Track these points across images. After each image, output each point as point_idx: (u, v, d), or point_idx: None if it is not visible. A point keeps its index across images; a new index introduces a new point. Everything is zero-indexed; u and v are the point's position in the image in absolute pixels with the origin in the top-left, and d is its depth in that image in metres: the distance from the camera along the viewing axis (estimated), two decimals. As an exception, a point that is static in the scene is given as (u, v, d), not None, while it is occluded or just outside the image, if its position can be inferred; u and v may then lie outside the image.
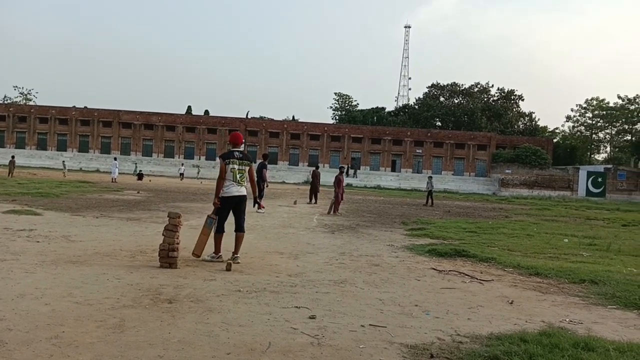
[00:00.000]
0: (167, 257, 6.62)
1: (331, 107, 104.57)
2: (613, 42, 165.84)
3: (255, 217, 14.64)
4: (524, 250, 10.12)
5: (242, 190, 7.41)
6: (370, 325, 4.57)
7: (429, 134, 76.26)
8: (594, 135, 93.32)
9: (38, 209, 13.04)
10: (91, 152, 74.47)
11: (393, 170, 74.29)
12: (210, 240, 7.34)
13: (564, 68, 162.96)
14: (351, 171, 65.50)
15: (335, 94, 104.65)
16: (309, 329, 4.35)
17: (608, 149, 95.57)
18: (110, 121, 75.70)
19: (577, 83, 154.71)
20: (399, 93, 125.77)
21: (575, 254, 9.91)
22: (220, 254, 7.33)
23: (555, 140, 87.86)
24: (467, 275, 7.23)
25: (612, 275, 7.42)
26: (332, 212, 17.57)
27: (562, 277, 7.28)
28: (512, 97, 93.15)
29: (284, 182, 57.40)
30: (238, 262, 7.08)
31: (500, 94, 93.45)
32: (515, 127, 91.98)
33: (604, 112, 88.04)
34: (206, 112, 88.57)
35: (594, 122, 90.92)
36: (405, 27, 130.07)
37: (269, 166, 20.94)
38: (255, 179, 7.85)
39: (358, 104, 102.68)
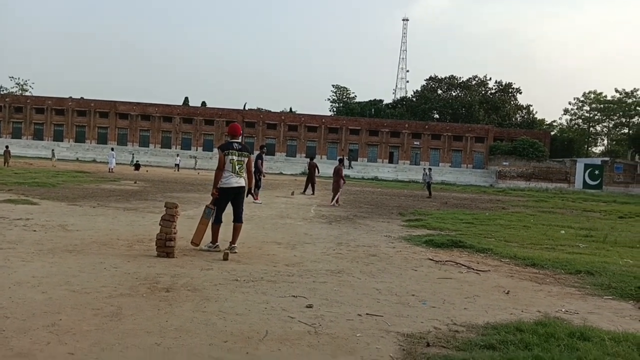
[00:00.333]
0: (164, 247, 6.62)
1: (329, 99, 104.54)
2: (611, 36, 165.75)
3: (252, 207, 14.63)
4: (520, 241, 10.15)
5: (241, 181, 7.41)
6: (367, 314, 4.58)
7: (426, 126, 76.27)
8: (591, 128, 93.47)
9: (35, 199, 13.00)
10: (87, 143, 74.31)
11: (391, 162, 74.37)
12: (209, 230, 7.35)
13: (561, 61, 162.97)
14: (346, 162, 65.51)
15: (333, 86, 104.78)
16: (306, 318, 4.36)
17: (605, 141, 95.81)
18: (106, 112, 75.51)
19: (575, 76, 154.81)
20: (396, 86, 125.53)
21: (572, 245, 9.94)
22: (217, 243, 7.34)
23: (552, 133, 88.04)
24: (463, 265, 7.25)
25: (608, 266, 7.44)
26: (335, 204, 17.64)
27: (558, 267, 7.30)
28: (510, 90, 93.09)
29: (281, 173, 57.38)
30: (235, 252, 7.09)
31: (498, 86, 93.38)
32: (513, 119, 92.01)
33: (602, 106, 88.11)
34: (203, 103, 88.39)
35: (591, 115, 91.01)
36: (403, 20, 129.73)
37: (266, 157, 20.92)
38: (253, 170, 7.85)
39: (356, 96, 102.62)
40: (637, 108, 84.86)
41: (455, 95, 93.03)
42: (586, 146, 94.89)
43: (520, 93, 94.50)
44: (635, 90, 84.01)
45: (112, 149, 40.45)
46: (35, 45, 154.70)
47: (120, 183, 22.96)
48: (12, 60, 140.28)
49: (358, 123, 76.69)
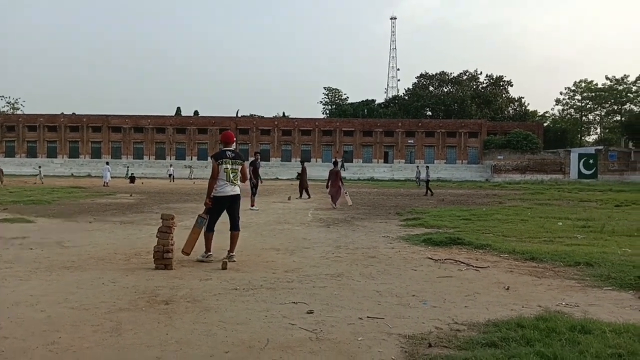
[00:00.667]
0: (162, 259, 6.60)
1: (321, 101, 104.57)
2: (599, 25, 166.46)
3: (249, 214, 14.60)
4: (518, 236, 10.16)
5: (236, 189, 7.40)
6: (368, 317, 4.57)
7: (420, 124, 76.41)
8: (583, 118, 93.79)
9: (30, 217, 12.95)
10: (82, 158, 74.11)
11: (386, 161, 74.45)
12: (201, 240, 7.30)
13: (551, 52, 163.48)
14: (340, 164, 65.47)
15: (325, 88, 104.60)
16: (307, 324, 4.35)
17: (598, 130, 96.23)
18: (99, 126, 75.36)
19: (566, 66, 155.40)
20: (388, 85, 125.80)
21: (570, 237, 9.95)
22: (210, 252, 7.29)
23: (545, 124, 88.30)
24: (463, 263, 7.25)
25: (607, 256, 7.46)
26: (334, 205, 17.77)
27: (557, 260, 7.31)
28: (501, 84, 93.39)
29: (277, 179, 57.33)
30: (234, 261, 7.07)
31: (489, 80, 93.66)
32: (506, 113, 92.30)
33: (593, 94, 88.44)
34: (196, 112, 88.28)
35: (583, 104, 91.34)
36: (391, 18, 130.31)
37: (261, 163, 20.81)
38: (248, 177, 7.84)
39: (348, 97, 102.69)
40: (629, 95, 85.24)
41: (447, 91, 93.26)
42: (579, 136, 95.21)
43: (512, 86, 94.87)
44: (626, 76, 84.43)
45: (107, 163, 40.35)
46: (23, 63, 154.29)
47: (116, 197, 22.89)
48: (0, 80, 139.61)
49: (351, 124, 76.76)
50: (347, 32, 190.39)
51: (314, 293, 5.46)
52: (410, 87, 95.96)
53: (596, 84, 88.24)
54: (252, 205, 16.57)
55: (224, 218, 7.42)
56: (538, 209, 17.58)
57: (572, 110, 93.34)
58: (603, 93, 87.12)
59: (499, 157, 67.96)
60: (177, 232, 7.04)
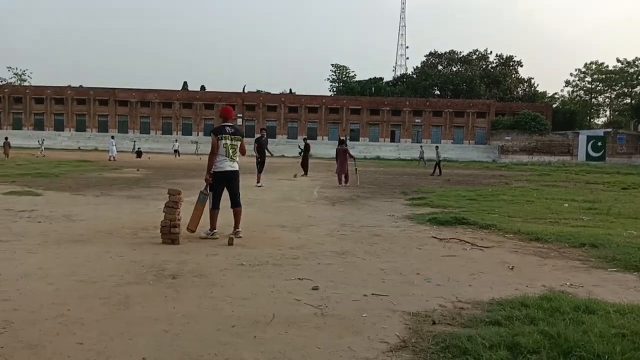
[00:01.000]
0: (169, 234, 6.65)
1: (328, 78, 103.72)
2: (612, 4, 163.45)
3: (255, 191, 14.66)
4: (524, 216, 10.15)
5: (235, 165, 7.39)
6: (372, 294, 4.61)
7: (427, 103, 75.89)
8: (593, 100, 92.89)
9: (38, 190, 13.04)
10: (88, 131, 74.20)
11: (392, 140, 74.17)
12: (206, 216, 7.32)
13: (562, 32, 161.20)
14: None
15: (333, 65, 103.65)
16: (312, 300, 4.39)
17: (607, 112, 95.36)
18: (106, 99, 75.25)
19: (576, 47, 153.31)
20: (396, 63, 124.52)
21: (576, 219, 9.93)
22: (215, 230, 7.27)
23: (554, 106, 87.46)
24: (467, 242, 7.27)
25: (612, 238, 7.45)
26: (344, 184, 17.91)
27: (562, 241, 7.31)
28: (511, 64, 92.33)
29: (283, 156, 57.28)
30: (240, 237, 7.10)
31: (499, 60, 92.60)
32: (515, 93, 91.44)
33: (603, 76, 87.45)
34: (202, 87, 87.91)
35: (593, 86, 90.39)
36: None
37: (268, 140, 20.66)
38: (246, 153, 7.79)
39: (355, 75, 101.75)
40: (639, 78, 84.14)
41: (455, 70, 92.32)
42: (588, 118, 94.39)
43: (522, 66, 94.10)
44: (637, 59, 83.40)
45: (112, 137, 40.44)
46: (31, 33, 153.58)
47: (122, 171, 22.99)
48: (8, 50, 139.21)
49: (359, 102, 76.31)
50: (356, 8, 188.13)
51: (319, 270, 5.50)
52: (419, 65, 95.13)
53: (607, 66, 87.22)
54: (258, 182, 16.61)
55: (226, 195, 7.43)
56: (544, 190, 17.54)
57: (581, 92, 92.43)
58: (613, 75, 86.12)
59: (506, 137, 67.55)
60: (184, 207, 7.08)
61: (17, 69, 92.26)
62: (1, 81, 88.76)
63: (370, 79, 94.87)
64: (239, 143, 7.42)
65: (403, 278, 5.25)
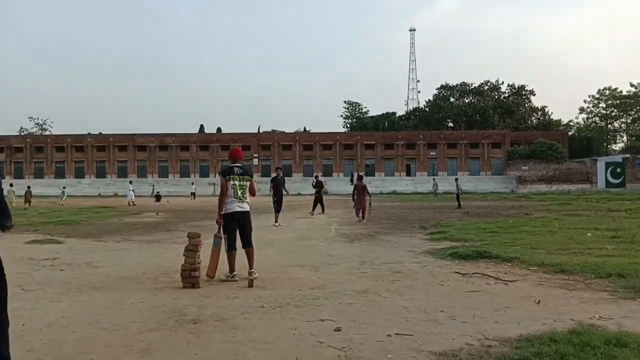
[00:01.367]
0: (190, 277, 6.66)
1: (341, 115, 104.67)
2: (620, 31, 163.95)
3: (273, 230, 14.67)
4: (547, 247, 9.98)
5: (244, 206, 7.38)
6: (396, 334, 4.54)
7: (441, 136, 76.01)
8: (609, 125, 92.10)
9: (60, 237, 13.20)
10: (108, 177, 75.36)
11: (408, 174, 74.05)
12: (224, 260, 7.29)
13: (573, 60, 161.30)
14: (355, 176, 65.25)
15: (345, 102, 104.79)
16: (335, 342, 4.33)
17: (625, 138, 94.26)
18: (125, 145, 76.64)
19: (588, 74, 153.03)
20: (408, 97, 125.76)
21: (600, 248, 9.74)
22: (234, 272, 7.24)
23: (570, 133, 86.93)
24: (491, 276, 7.15)
25: (639, 267, 7.28)
26: (362, 219, 18.00)
27: (588, 272, 7.17)
28: (523, 93, 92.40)
29: (299, 194, 57.40)
30: (255, 277, 7.03)
31: (511, 90, 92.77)
32: (529, 122, 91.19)
33: (618, 102, 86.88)
34: (218, 129, 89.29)
35: (608, 112, 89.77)
36: (410, 30, 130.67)
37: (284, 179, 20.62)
38: (256, 193, 7.78)
39: (368, 110, 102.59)
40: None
41: (468, 102, 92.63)
42: (605, 144, 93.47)
43: (534, 95, 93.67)
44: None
45: (130, 182, 41.51)
46: (50, 83, 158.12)
47: (142, 215, 23.22)
48: (29, 101, 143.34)
49: (372, 138, 76.71)
50: (366, 46, 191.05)
51: (341, 310, 5.44)
52: (431, 98, 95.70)
53: (620, 91, 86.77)
54: (275, 222, 16.62)
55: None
56: (566, 219, 17.27)
57: (597, 119, 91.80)
58: (628, 100, 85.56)
59: (523, 167, 67.04)
60: (204, 250, 7.10)
61: (38, 118, 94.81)
62: (23, 131, 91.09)
63: (383, 113, 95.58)
64: (247, 183, 7.42)
65: (427, 316, 5.17)
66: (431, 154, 74.74)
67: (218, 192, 7.62)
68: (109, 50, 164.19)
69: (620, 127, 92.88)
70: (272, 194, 17.76)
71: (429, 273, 7.63)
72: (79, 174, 76.07)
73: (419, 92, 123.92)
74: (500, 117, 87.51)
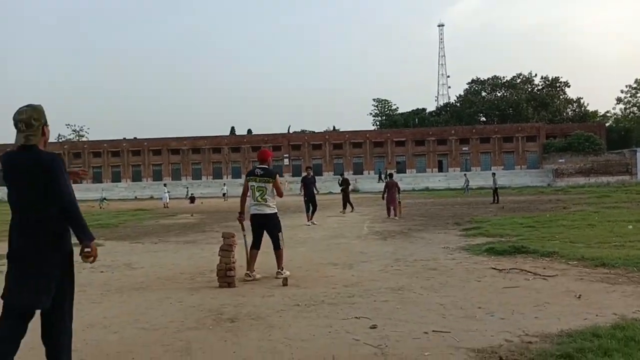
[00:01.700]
0: (225, 277, 6.74)
1: (371, 113, 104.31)
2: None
3: (305, 230, 14.73)
4: (586, 241, 9.73)
5: (263, 208, 7.27)
6: (433, 331, 4.49)
7: (474, 130, 74.86)
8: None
9: (99, 240, 13.48)
10: (144, 181, 76.90)
11: (440, 170, 73.20)
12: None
13: (607, 50, 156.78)
14: (383, 175, 64.69)
15: (374, 99, 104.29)
16: (371, 339, 4.31)
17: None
18: (159, 149, 78.06)
19: (624, 63, 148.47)
20: (438, 92, 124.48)
21: (642, 241, 9.44)
22: (254, 271, 7.23)
23: (607, 124, 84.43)
24: (529, 272, 7.01)
25: (685, 260, 7.03)
26: (395, 217, 18.08)
27: (630, 266, 6.95)
28: (558, 85, 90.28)
29: (330, 193, 57.40)
30: (282, 276, 7.01)
31: (545, 82, 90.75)
32: (564, 114, 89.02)
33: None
34: (249, 131, 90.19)
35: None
36: (439, 25, 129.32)
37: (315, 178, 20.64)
38: (283, 193, 7.62)
39: (397, 107, 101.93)
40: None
41: (500, 95, 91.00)
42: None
43: (569, 86, 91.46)
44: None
45: (165, 185, 42.53)
46: (89, 93, 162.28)
47: (177, 217, 23.61)
48: (66, 107, 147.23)
49: (403, 134, 76.10)
50: (395, 41, 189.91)
51: (376, 307, 5.41)
52: (462, 93, 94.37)
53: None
54: (308, 220, 16.68)
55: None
56: (605, 212, 16.81)
57: (635, 109, 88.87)
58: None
59: (559, 160, 65.47)
60: (239, 249, 7.17)
61: (75, 125, 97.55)
62: (61, 138, 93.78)
63: (413, 110, 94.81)
64: (268, 185, 7.27)
65: (464, 313, 5.10)
66: (463, 149, 73.68)
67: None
68: (149, 57, 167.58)
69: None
70: (302, 193, 17.86)
71: (464, 269, 7.53)
72: (116, 178, 77.84)
73: (449, 87, 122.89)
74: (534, 109, 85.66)
